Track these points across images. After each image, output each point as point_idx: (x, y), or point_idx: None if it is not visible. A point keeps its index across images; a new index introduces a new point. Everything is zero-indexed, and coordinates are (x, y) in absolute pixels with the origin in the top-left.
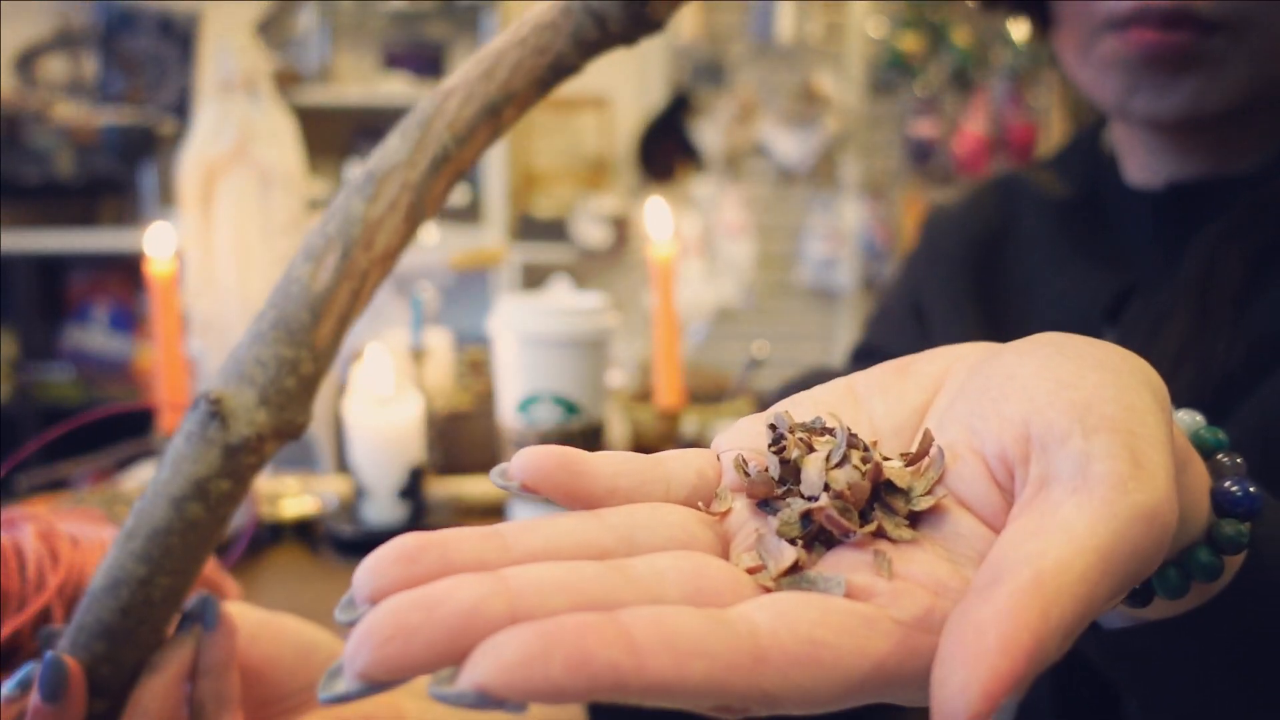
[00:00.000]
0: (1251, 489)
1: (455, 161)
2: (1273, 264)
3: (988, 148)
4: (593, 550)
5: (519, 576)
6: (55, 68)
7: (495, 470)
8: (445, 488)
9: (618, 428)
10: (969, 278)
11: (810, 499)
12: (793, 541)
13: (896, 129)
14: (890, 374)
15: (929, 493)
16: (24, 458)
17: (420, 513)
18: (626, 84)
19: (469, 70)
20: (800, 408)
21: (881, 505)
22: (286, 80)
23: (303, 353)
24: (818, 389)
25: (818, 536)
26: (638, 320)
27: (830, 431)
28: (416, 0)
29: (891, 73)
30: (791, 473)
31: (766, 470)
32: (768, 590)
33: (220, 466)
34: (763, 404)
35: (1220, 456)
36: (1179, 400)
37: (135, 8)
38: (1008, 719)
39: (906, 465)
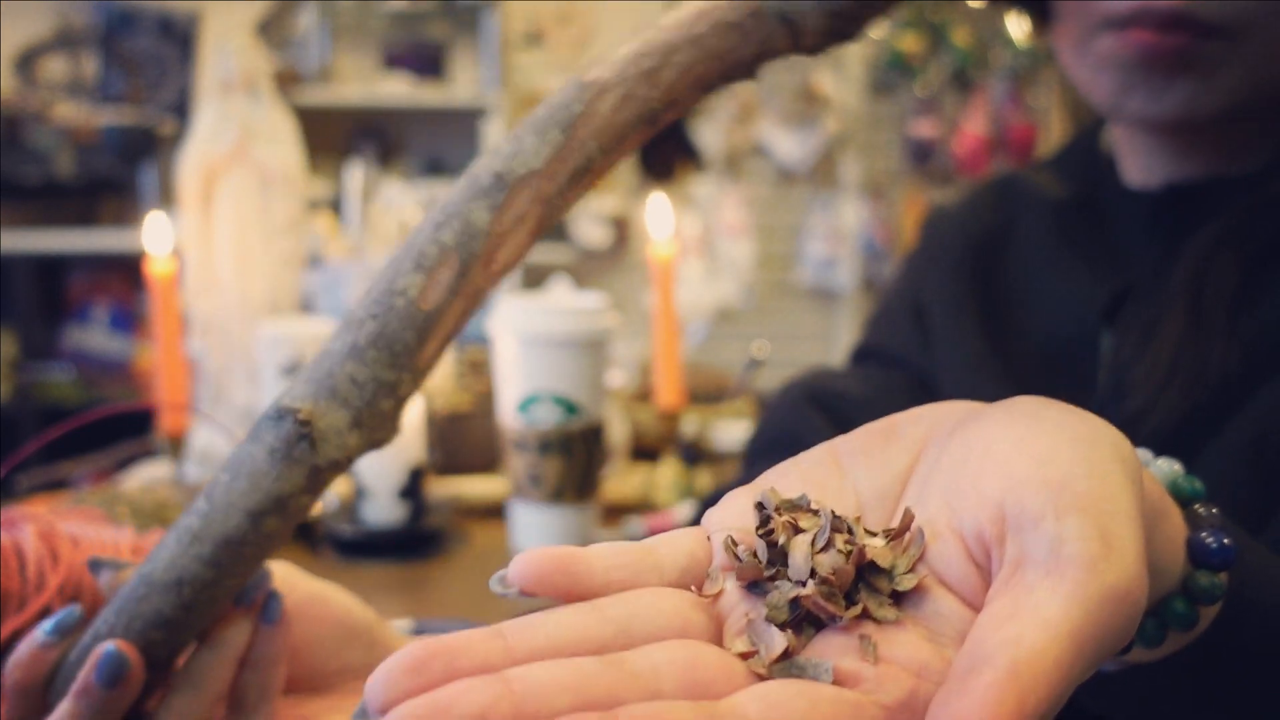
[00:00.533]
0: (1226, 540)
1: (595, 173)
2: (1269, 267)
3: (987, 148)
4: (592, 645)
5: (523, 679)
6: (55, 68)
7: (494, 579)
8: (445, 488)
9: (618, 428)
10: (968, 278)
11: (798, 583)
12: (782, 626)
13: (896, 129)
14: (874, 437)
15: (911, 570)
16: (24, 458)
17: (420, 513)
18: None
19: (626, 66)
20: (787, 479)
21: (866, 586)
22: (286, 80)
23: (404, 375)
24: (803, 457)
25: (806, 619)
26: (638, 320)
27: (815, 512)
28: (416, 0)
29: (891, 73)
30: (779, 555)
31: (755, 554)
32: (760, 676)
33: (304, 485)
34: (763, 405)
35: (1197, 506)
36: (1173, 406)
37: (135, 8)
38: None
39: (889, 541)
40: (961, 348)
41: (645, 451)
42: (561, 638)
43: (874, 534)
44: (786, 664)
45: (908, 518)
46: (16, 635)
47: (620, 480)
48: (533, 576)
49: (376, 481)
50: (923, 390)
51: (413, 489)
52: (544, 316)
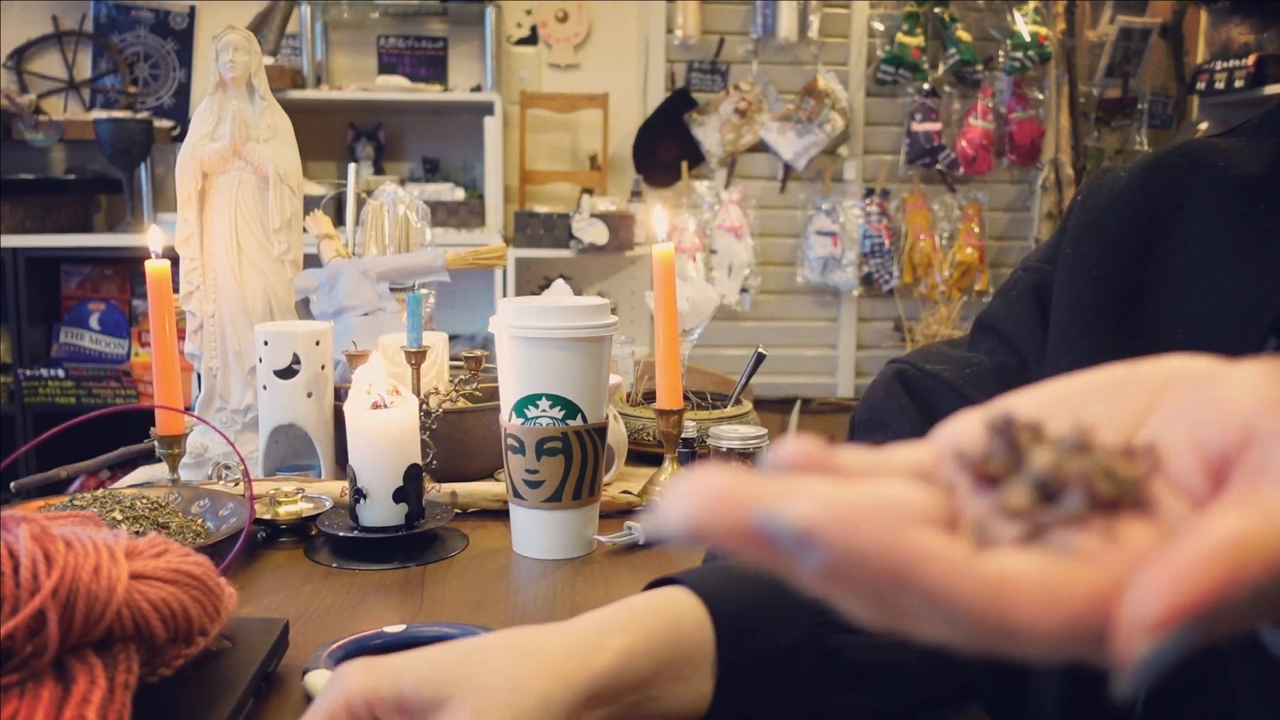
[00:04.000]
0: None
1: None
2: None
3: (991, 145)
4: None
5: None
6: (49, 65)
7: (771, 459)
8: (443, 489)
9: (618, 429)
10: (1116, 263)
11: (1042, 479)
12: (1025, 517)
13: (899, 126)
14: (1112, 378)
15: (1147, 480)
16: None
17: (418, 515)
18: (626, 82)
19: None
20: (1019, 408)
21: (1103, 487)
22: (284, 78)
23: None
24: (1033, 392)
25: (1047, 510)
26: (638, 320)
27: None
28: (415, 0)
29: (894, 70)
30: (1016, 462)
31: (993, 454)
32: None
33: None
34: (855, 409)
35: None
36: None
37: (130, 5)
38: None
39: (1124, 454)
40: (1084, 337)
41: (645, 453)
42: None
43: (1115, 450)
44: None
45: (1146, 439)
46: (11, 638)
47: (620, 482)
48: (794, 461)
49: (374, 483)
50: (1023, 379)
51: (410, 491)
52: (544, 317)
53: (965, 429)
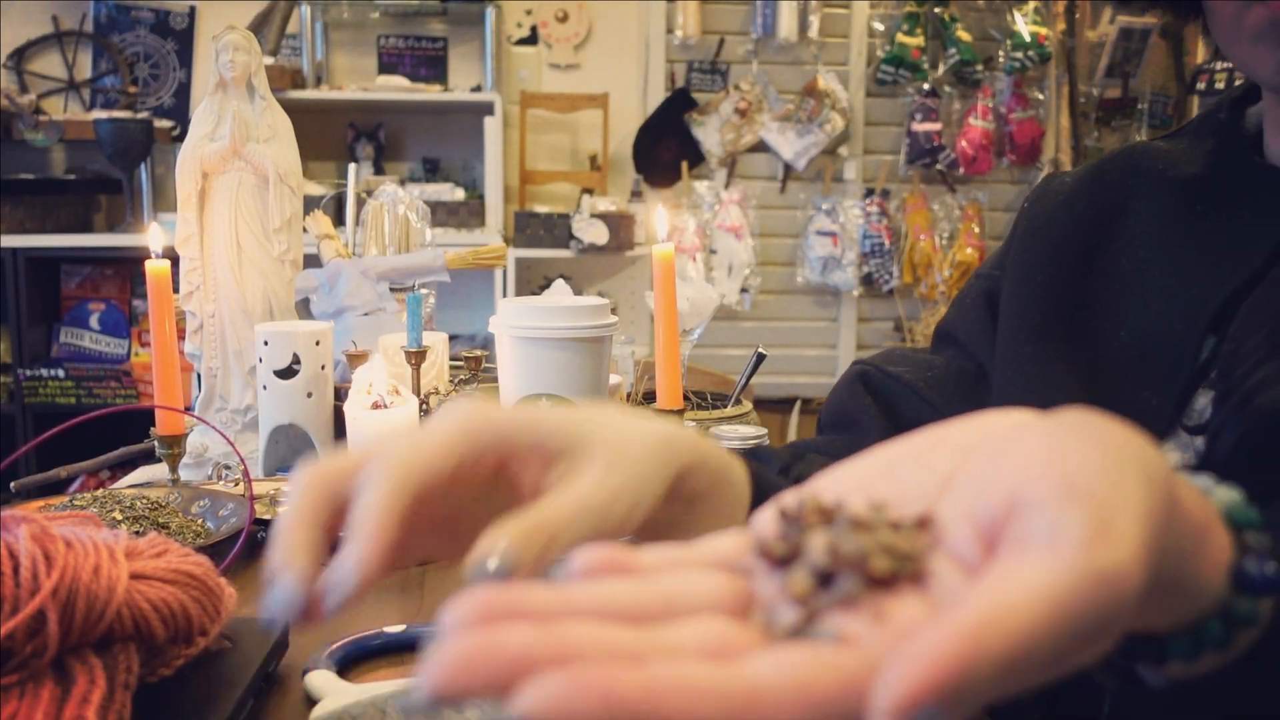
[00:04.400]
0: (1269, 568)
1: None
2: None
3: (991, 145)
4: (638, 608)
5: (566, 630)
6: (49, 65)
7: (568, 568)
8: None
9: None
10: (1060, 269)
11: (818, 564)
12: (802, 602)
13: (899, 126)
14: (926, 442)
15: (922, 555)
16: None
17: None
18: (626, 82)
19: None
20: (837, 483)
21: (879, 565)
22: (283, 79)
23: None
24: (858, 461)
25: (821, 595)
26: (638, 320)
27: (834, 513)
28: (415, 0)
29: (894, 70)
30: (805, 543)
31: (782, 539)
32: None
33: None
34: (821, 409)
35: (1248, 533)
36: None
37: (131, 5)
38: None
39: (905, 530)
40: (1030, 343)
41: None
42: (613, 597)
43: (896, 526)
44: (800, 633)
45: (927, 512)
46: (11, 638)
47: None
48: (589, 568)
49: None
50: (981, 384)
51: None
52: (544, 317)
53: (771, 514)
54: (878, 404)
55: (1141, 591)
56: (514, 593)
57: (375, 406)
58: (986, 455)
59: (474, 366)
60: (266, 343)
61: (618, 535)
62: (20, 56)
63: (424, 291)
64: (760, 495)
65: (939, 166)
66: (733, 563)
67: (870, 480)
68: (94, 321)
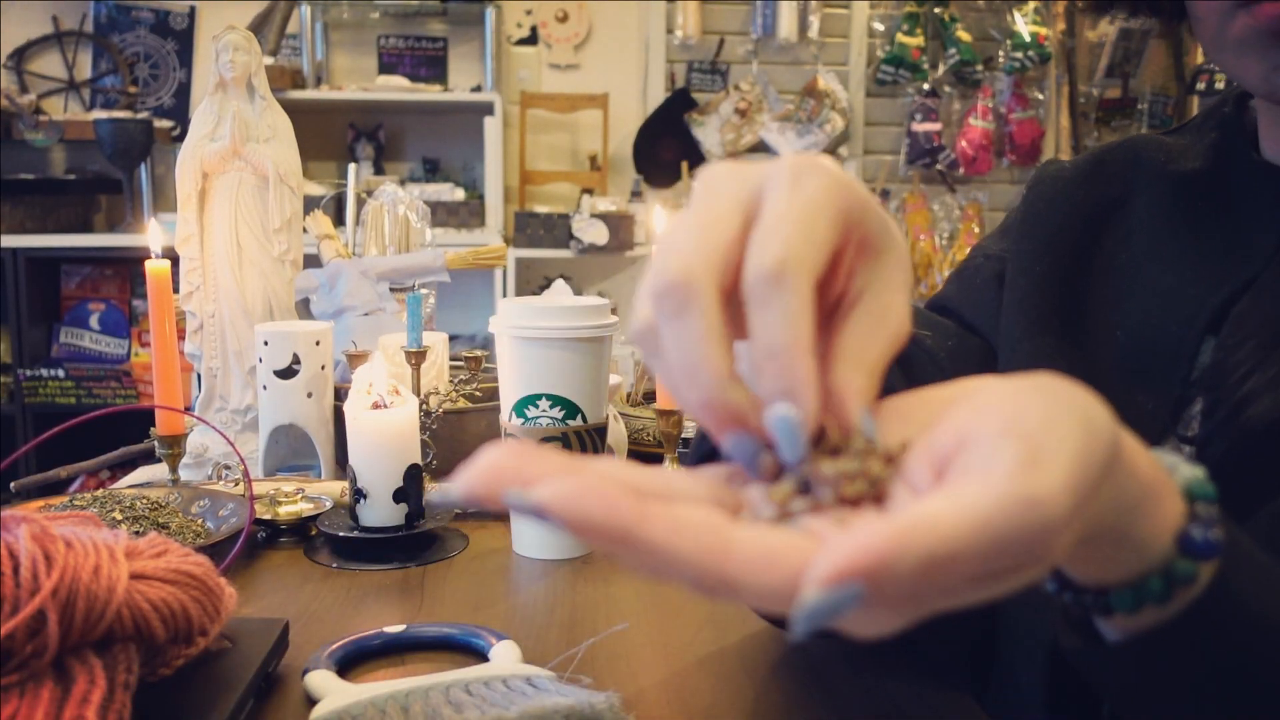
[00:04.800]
0: (1212, 535)
1: None
2: None
3: (991, 145)
4: (642, 483)
5: (590, 464)
6: (49, 65)
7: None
8: (443, 489)
9: (617, 429)
10: (1057, 260)
11: (800, 479)
12: (781, 504)
13: (899, 126)
14: (910, 401)
15: (884, 482)
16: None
17: (418, 514)
18: (626, 82)
19: None
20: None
21: (848, 486)
22: (284, 79)
23: None
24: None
25: (798, 500)
26: None
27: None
28: (415, 0)
29: (894, 70)
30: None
31: (772, 456)
32: None
33: None
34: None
35: (1199, 504)
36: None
37: (131, 5)
38: None
39: (878, 459)
40: (1028, 339)
41: (645, 453)
42: (625, 473)
43: (867, 456)
44: (777, 525)
45: (894, 449)
46: (11, 638)
47: None
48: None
49: (374, 483)
50: (990, 362)
51: (410, 491)
52: (544, 317)
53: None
54: (898, 366)
55: (1067, 521)
56: (512, 456)
57: (375, 406)
58: (953, 406)
59: (474, 367)
60: (266, 343)
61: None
62: (20, 57)
63: (424, 292)
64: None
65: (939, 167)
66: (731, 474)
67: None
68: (94, 321)
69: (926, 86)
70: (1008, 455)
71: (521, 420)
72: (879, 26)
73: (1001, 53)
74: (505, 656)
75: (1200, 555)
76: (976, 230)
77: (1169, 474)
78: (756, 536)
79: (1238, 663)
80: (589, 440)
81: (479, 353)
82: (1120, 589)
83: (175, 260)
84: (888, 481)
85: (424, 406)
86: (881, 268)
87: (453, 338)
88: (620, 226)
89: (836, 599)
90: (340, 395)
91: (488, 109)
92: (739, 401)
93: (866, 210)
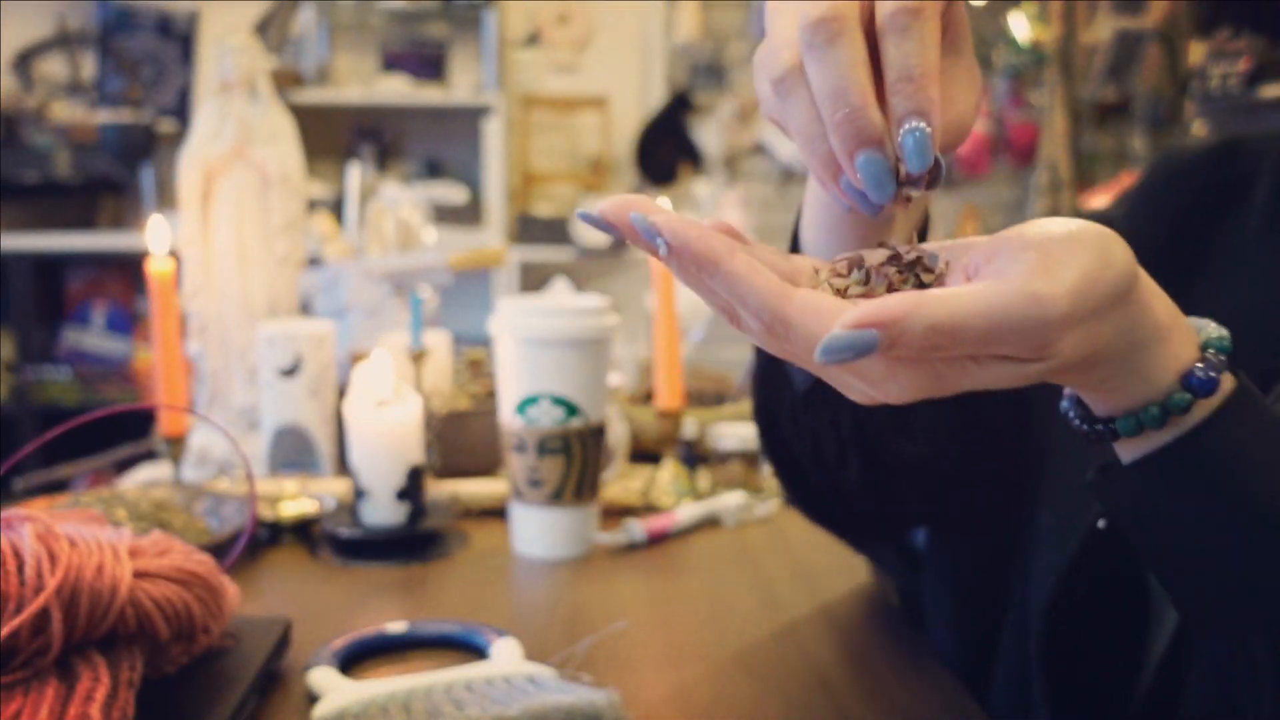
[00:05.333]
0: (1212, 376)
1: None
2: None
3: (988, 147)
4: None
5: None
6: (53, 68)
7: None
8: (445, 489)
9: (618, 429)
10: (1176, 230)
11: (865, 268)
12: (842, 291)
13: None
14: (962, 243)
15: (932, 282)
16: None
17: (419, 514)
18: (626, 84)
19: None
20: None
21: (896, 280)
22: (286, 80)
23: None
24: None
25: (857, 289)
26: (638, 321)
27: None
28: (416, 0)
29: None
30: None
31: (849, 263)
32: None
33: None
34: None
35: (1209, 352)
36: None
37: (134, 7)
38: None
39: (924, 269)
40: None
41: (645, 453)
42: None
43: (915, 266)
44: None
45: (941, 266)
46: (15, 636)
47: (620, 482)
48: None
49: (375, 482)
50: None
51: (412, 490)
52: (544, 317)
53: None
54: None
55: (1064, 322)
56: (638, 199)
57: (381, 403)
58: (1004, 241)
59: (474, 367)
60: (269, 343)
61: None
62: (25, 59)
63: (426, 292)
64: None
65: None
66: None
67: (953, 249)
68: (97, 321)
69: None
70: (1025, 260)
71: (522, 420)
72: None
73: (998, 55)
74: (506, 654)
75: (1197, 391)
76: (973, 231)
77: (1190, 326)
78: (814, 294)
79: (1230, 494)
80: (589, 440)
81: (479, 353)
82: (1126, 415)
83: (178, 261)
84: (933, 283)
85: (426, 406)
86: (961, 41)
87: (454, 338)
88: None
89: (857, 339)
90: (343, 395)
91: (488, 111)
92: (878, 121)
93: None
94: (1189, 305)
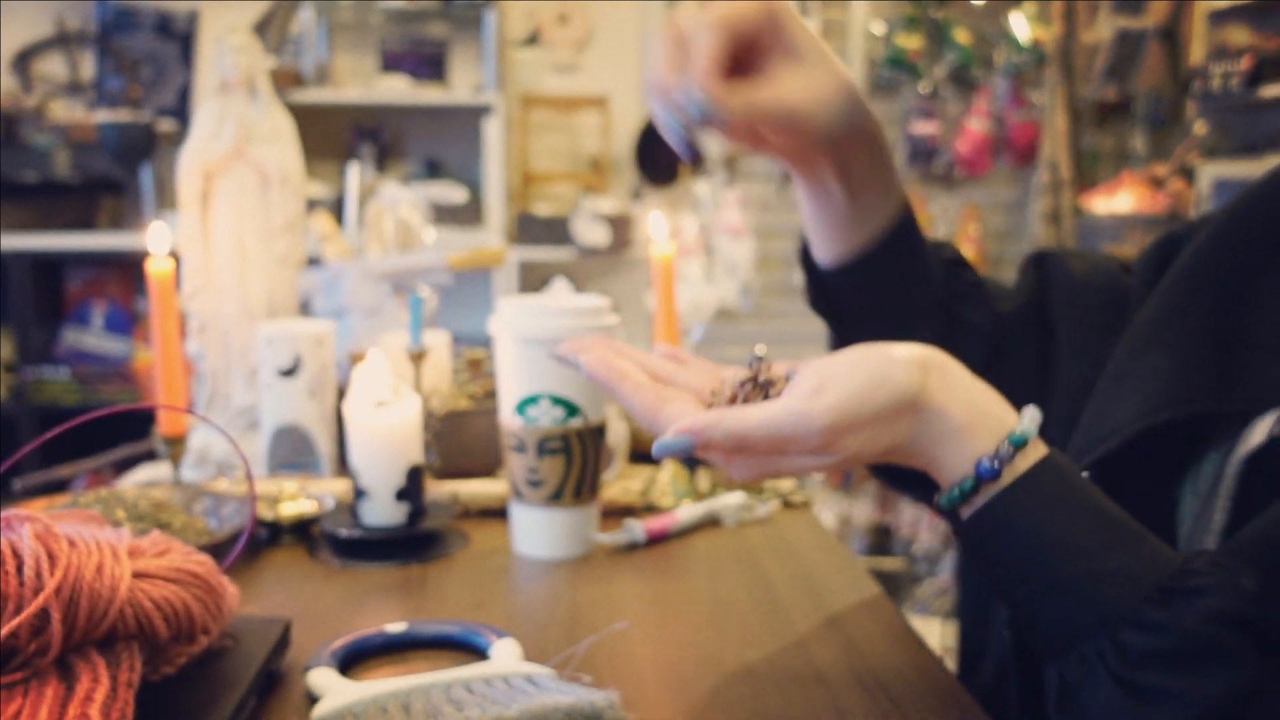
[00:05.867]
0: (999, 464)
1: None
2: None
3: (989, 147)
4: (655, 370)
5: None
6: (52, 67)
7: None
8: (444, 489)
9: (618, 429)
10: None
11: (732, 388)
12: (730, 399)
13: (897, 128)
14: (832, 358)
15: (770, 396)
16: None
17: (419, 514)
18: (627, 83)
19: None
20: (775, 362)
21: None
22: (285, 80)
23: None
24: (815, 358)
25: (734, 400)
26: (638, 320)
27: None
28: (416, 0)
29: (892, 71)
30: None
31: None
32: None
33: None
34: None
35: (1003, 446)
36: None
37: (133, 7)
38: None
39: (780, 382)
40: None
41: (645, 453)
42: (641, 358)
43: (772, 382)
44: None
45: (783, 379)
46: (15, 636)
47: (620, 482)
48: (662, 351)
49: (375, 483)
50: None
51: (411, 490)
52: (544, 317)
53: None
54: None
55: (830, 432)
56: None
57: (380, 404)
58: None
59: (474, 367)
60: (269, 343)
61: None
62: (24, 59)
63: (426, 292)
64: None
65: (937, 168)
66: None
67: (796, 367)
68: (97, 321)
69: (924, 89)
70: (804, 383)
71: (522, 420)
72: (877, 29)
73: (999, 55)
74: (506, 655)
75: (981, 478)
76: (975, 231)
77: (997, 421)
78: (678, 406)
79: (1010, 556)
80: (589, 440)
81: (480, 353)
82: (945, 491)
83: (178, 260)
84: (775, 394)
85: (426, 406)
86: (796, 48)
87: (454, 338)
88: (621, 228)
89: (677, 442)
90: (343, 395)
91: (489, 110)
92: (666, 88)
93: (791, 24)
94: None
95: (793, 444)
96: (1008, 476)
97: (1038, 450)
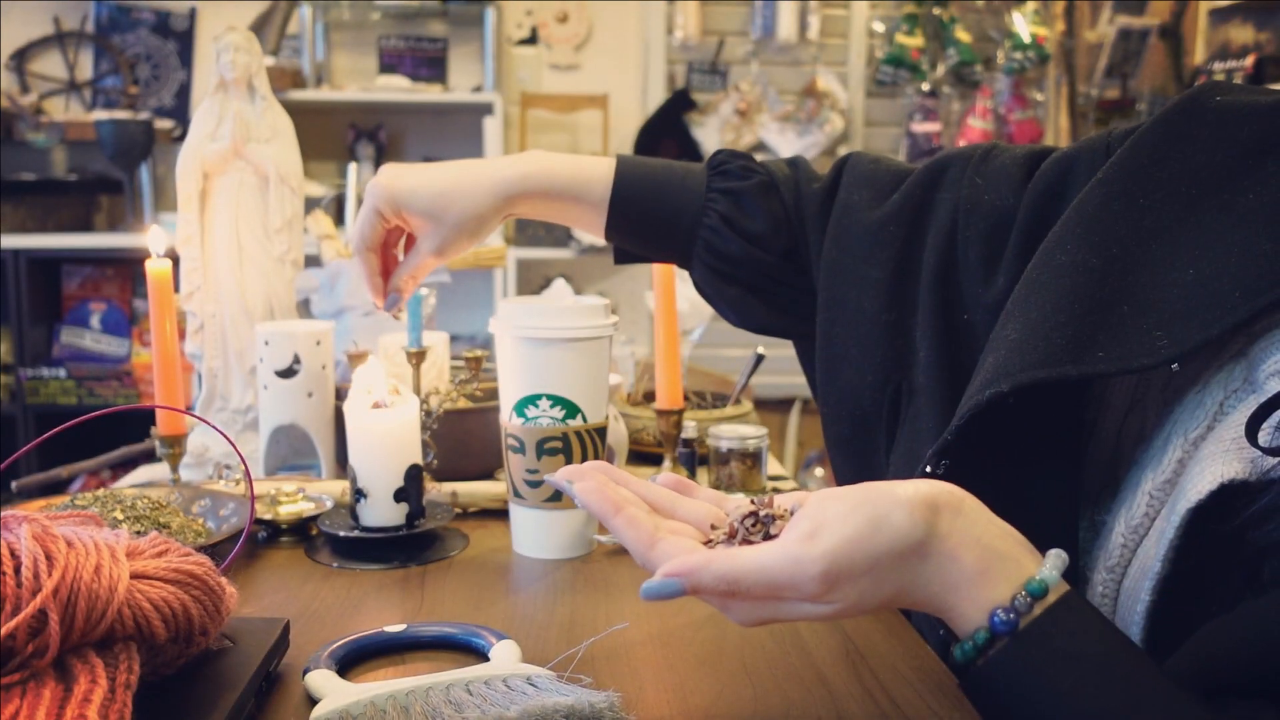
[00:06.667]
0: (1015, 616)
1: None
2: None
3: None
4: (656, 500)
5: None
6: (50, 66)
7: (558, 475)
8: (443, 489)
9: (618, 429)
10: (1153, 187)
11: (733, 525)
12: (730, 537)
13: (899, 127)
14: (825, 493)
15: (769, 535)
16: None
17: (418, 515)
18: (627, 82)
19: None
20: (788, 497)
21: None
22: (284, 79)
23: None
24: (814, 494)
25: (734, 536)
26: (638, 321)
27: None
28: (416, 0)
29: (894, 70)
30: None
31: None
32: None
33: None
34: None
35: (1020, 596)
36: None
37: (131, 6)
38: None
39: (781, 519)
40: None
41: (645, 453)
42: (651, 490)
43: (773, 518)
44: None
45: (785, 514)
46: (12, 637)
47: None
48: (665, 481)
49: (374, 482)
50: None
51: (410, 491)
52: (544, 317)
53: (744, 502)
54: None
55: (824, 579)
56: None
57: (376, 406)
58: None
59: (474, 367)
60: (267, 343)
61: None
62: (22, 57)
63: (424, 292)
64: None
65: None
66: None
67: (802, 501)
68: (95, 322)
69: (926, 87)
70: (800, 527)
71: (522, 420)
72: (878, 27)
73: (1001, 53)
74: (505, 656)
75: (994, 630)
76: None
77: (1012, 567)
78: (670, 544)
79: (1021, 709)
80: (589, 440)
81: (479, 353)
82: (961, 641)
83: (176, 260)
84: (779, 532)
85: (424, 406)
86: (433, 225)
87: (453, 338)
88: None
89: (664, 585)
90: (341, 395)
91: (488, 109)
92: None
93: (409, 200)
94: (1149, 263)
95: (788, 590)
96: (1024, 625)
97: (1057, 592)
